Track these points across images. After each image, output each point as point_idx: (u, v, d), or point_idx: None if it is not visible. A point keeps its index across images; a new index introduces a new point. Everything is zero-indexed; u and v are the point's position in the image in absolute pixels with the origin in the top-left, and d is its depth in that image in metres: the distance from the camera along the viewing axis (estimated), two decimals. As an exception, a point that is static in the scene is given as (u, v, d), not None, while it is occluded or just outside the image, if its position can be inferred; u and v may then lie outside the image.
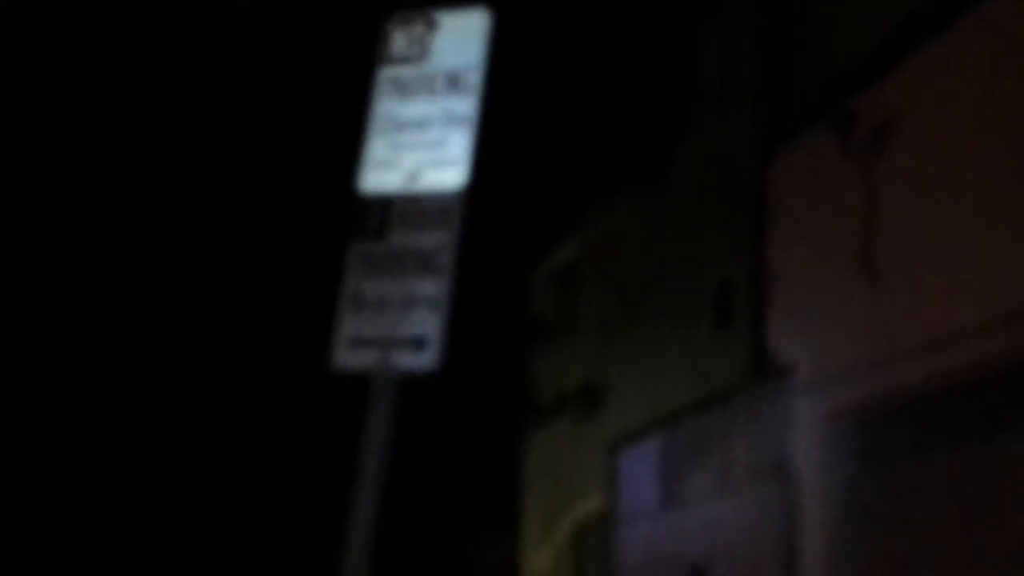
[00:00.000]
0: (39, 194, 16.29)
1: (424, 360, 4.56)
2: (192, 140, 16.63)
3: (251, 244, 17.32)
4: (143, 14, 15.19)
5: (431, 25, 5.02)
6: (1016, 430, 8.05)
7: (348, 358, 4.72)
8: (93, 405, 16.93)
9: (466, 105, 4.84)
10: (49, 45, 15.44)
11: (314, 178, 16.35)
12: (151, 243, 17.14)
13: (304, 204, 16.61)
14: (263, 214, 16.97)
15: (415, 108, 4.93)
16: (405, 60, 5.04)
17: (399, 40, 5.08)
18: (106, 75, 15.88)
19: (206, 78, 15.96)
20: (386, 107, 4.99)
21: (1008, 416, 8.16)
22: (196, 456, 17.42)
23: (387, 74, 5.04)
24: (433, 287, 4.63)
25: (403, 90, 4.98)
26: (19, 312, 15.70)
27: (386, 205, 4.83)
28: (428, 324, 4.60)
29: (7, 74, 14.10)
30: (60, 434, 16.76)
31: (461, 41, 4.95)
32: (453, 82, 4.90)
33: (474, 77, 4.87)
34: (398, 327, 4.64)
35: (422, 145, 4.86)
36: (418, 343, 4.58)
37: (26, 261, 15.94)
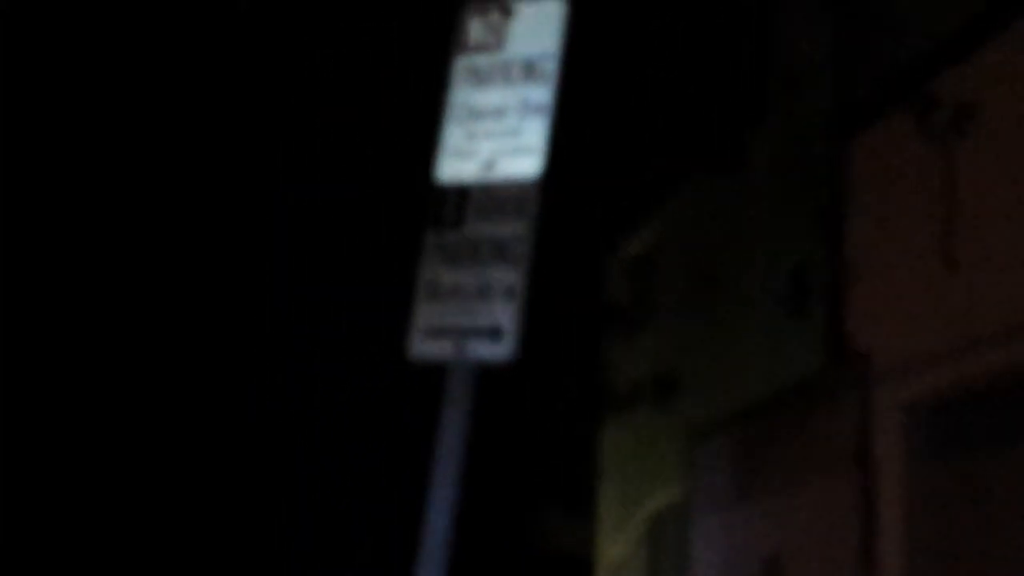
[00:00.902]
0: (40, 193, 16.44)
1: (500, 350, 4.55)
2: (192, 140, 16.71)
3: (264, 241, 17.40)
4: (143, 14, 15.29)
5: (507, 13, 5.01)
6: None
7: (424, 348, 4.72)
8: (117, 402, 17.09)
9: (542, 93, 4.82)
10: (49, 45, 15.57)
11: (316, 177, 16.44)
12: (161, 242, 17.25)
13: (306, 202, 16.70)
14: (266, 212, 17.05)
15: (491, 96, 4.92)
16: (481, 48, 5.03)
17: (475, 28, 5.07)
18: (106, 75, 15.98)
19: (206, 78, 16.04)
20: (462, 95, 4.98)
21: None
22: (258, 446, 17.55)
23: (463, 62, 5.04)
24: (509, 276, 4.62)
25: (479, 78, 4.97)
26: (20, 311, 15.87)
27: (462, 194, 4.82)
28: (504, 314, 4.59)
29: (7, 74, 14.25)
30: (63, 434, 16.92)
31: (537, 28, 4.93)
32: (529, 70, 4.88)
33: (550, 65, 4.85)
34: (474, 317, 4.64)
35: (498, 133, 4.84)
36: (494, 333, 4.58)
37: (26, 260, 16.09)
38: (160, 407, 17.25)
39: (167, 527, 17.14)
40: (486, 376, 4.70)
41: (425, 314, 4.76)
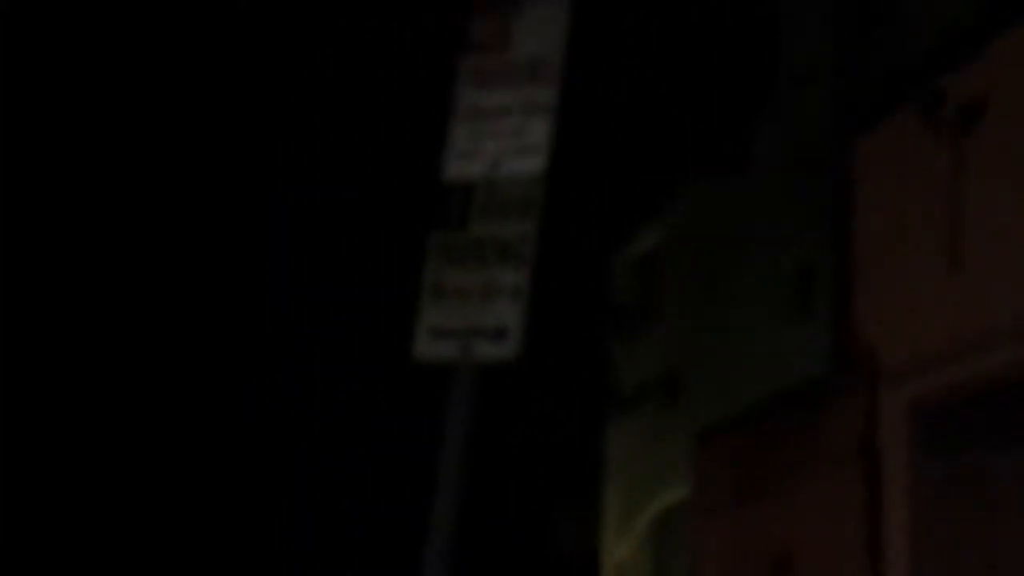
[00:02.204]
0: (39, 193, 16.44)
1: (505, 350, 4.56)
2: (191, 139, 16.71)
3: (265, 240, 17.40)
4: (143, 14, 15.28)
5: (512, 13, 5.01)
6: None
7: (429, 348, 4.73)
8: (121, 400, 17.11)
9: (547, 93, 4.82)
10: (49, 45, 15.57)
11: (318, 177, 16.43)
12: (160, 241, 17.26)
13: (307, 202, 16.69)
14: (267, 212, 17.05)
15: (496, 97, 4.92)
16: (486, 49, 5.04)
17: (480, 29, 5.07)
18: (105, 75, 15.99)
19: (206, 78, 16.03)
20: (467, 96, 4.99)
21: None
22: (262, 446, 17.56)
23: (467, 62, 5.04)
24: (514, 277, 4.62)
25: (484, 79, 4.98)
26: (19, 311, 15.88)
27: (467, 194, 4.83)
28: (509, 314, 4.60)
29: (7, 74, 14.26)
30: (62, 434, 16.93)
31: (542, 29, 4.93)
32: (534, 70, 4.89)
33: (555, 65, 4.85)
34: (479, 317, 4.64)
35: (503, 134, 4.85)
36: (499, 333, 4.58)
37: (25, 260, 16.10)
38: (158, 406, 17.25)
39: (164, 526, 17.15)
40: (491, 376, 4.70)
41: (430, 314, 4.77)
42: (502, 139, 4.82)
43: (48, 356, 16.79)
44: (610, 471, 16.25)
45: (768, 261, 12.55)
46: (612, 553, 15.92)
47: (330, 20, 14.71)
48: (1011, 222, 8.88)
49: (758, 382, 12.33)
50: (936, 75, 9.78)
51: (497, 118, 4.86)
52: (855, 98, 11.25)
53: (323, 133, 15.95)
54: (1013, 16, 9.03)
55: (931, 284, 9.70)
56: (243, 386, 17.30)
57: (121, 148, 16.67)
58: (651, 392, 14.93)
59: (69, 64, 15.82)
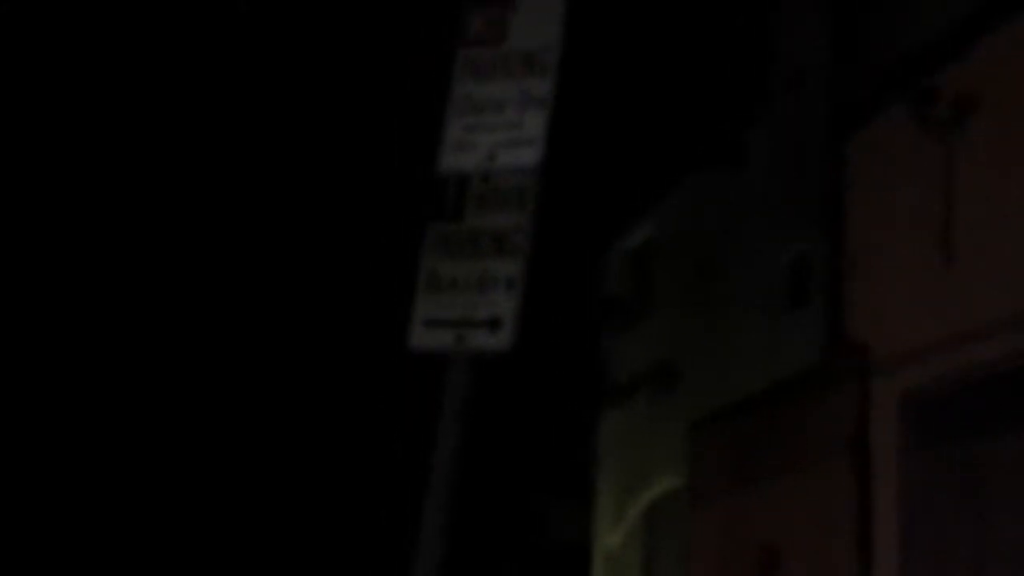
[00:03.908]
0: (38, 192, 16.44)
1: (500, 340, 4.57)
2: (191, 140, 16.70)
3: (255, 236, 17.37)
4: (143, 14, 15.28)
5: (508, 6, 5.03)
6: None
7: (424, 339, 4.73)
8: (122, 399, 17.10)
9: (543, 86, 4.84)
10: (49, 45, 15.57)
11: (314, 177, 16.41)
12: (151, 239, 17.24)
13: (303, 196, 16.68)
14: (262, 208, 17.05)
15: (492, 89, 4.94)
16: (482, 41, 5.06)
17: (476, 22, 5.10)
18: (105, 75, 15.98)
19: (205, 79, 16.03)
20: (463, 88, 5.01)
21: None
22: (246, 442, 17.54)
23: (464, 55, 5.06)
24: (509, 267, 4.64)
25: (480, 71, 5.00)
26: (18, 311, 15.89)
27: (463, 186, 4.85)
28: (504, 304, 4.61)
29: (7, 74, 14.26)
30: (60, 433, 16.91)
31: (538, 22, 4.95)
32: (530, 63, 4.91)
33: (551, 58, 4.87)
34: (474, 308, 4.65)
35: (499, 126, 4.86)
36: (494, 324, 4.60)
37: (25, 259, 16.10)
38: (144, 404, 17.24)
39: (150, 525, 17.15)
40: (486, 367, 4.72)
41: (425, 305, 4.78)
42: (498, 131, 4.84)
43: (46, 355, 16.78)
44: (603, 460, 16.30)
45: (762, 254, 12.60)
46: (604, 541, 15.98)
47: (330, 14, 14.71)
48: (1001, 216, 8.94)
49: (751, 373, 12.39)
50: (928, 73, 9.84)
51: (493, 110, 4.89)
52: (848, 95, 11.29)
53: (323, 126, 15.94)
54: (1002, 15, 9.09)
55: (922, 277, 9.76)
56: (243, 376, 17.30)
57: (120, 148, 16.68)
58: (644, 382, 14.98)
59: (68, 64, 15.83)
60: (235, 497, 17.48)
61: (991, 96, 9.17)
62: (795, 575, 11.25)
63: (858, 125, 10.97)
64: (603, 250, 16.91)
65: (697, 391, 13.71)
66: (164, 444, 17.18)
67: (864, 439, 10.35)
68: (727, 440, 12.82)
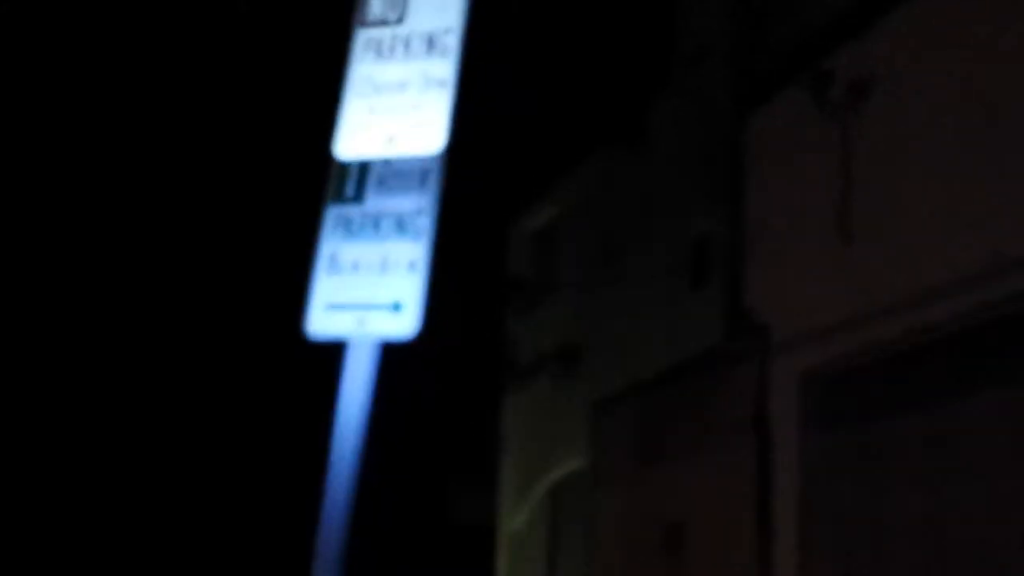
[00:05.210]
0: (37, 192, 16.21)
1: (402, 324, 4.52)
2: (190, 141, 16.52)
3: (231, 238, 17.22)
4: (143, 14, 15.08)
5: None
6: (989, 387, 8.10)
7: (323, 324, 4.65)
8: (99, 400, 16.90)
9: (444, 67, 4.80)
10: (48, 45, 15.33)
11: (310, 175, 16.25)
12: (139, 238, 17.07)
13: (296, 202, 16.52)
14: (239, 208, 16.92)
15: (393, 70, 4.89)
16: (382, 22, 5.00)
17: (376, 1, 5.03)
18: (105, 75, 15.77)
19: (205, 79, 15.86)
20: (363, 69, 4.94)
21: (981, 373, 8.21)
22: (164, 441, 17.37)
23: (363, 36, 5.00)
24: (411, 250, 4.59)
25: (380, 52, 4.94)
26: (17, 311, 15.67)
27: (363, 168, 4.79)
28: (406, 288, 4.57)
29: (7, 74, 14.03)
30: (59, 433, 16.71)
31: (439, 2, 4.90)
32: (431, 44, 4.86)
33: (452, 39, 4.82)
34: (375, 291, 4.60)
35: (400, 108, 4.81)
36: (396, 307, 4.55)
37: (24, 259, 15.88)
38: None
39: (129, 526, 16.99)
40: (387, 350, 4.67)
41: (324, 289, 4.71)
42: (399, 113, 4.79)
43: (44, 354, 16.53)
44: (507, 442, 16.32)
45: (664, 233, 12.66)
46: (508, 523, 16.00)
47: (328, 21, 14.55)
48: (899, 197, 9.06)
49: (654, 353, 12.46)
50: (825, 55, 9.94)
51: (394, 92, 4.83)
52: (749, 75, 11.37)
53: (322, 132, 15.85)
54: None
55: (822, 257, 9.87)
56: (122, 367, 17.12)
57: (120, 148, 16.44)
58: (548, 363, 15.01)
59: (68, 65, 15.56)
60: (125, 489, 17.29)
61: (887, 77, 9.29)
62: (699, 552, 11.35)
63: (759, 104, 11.06)
64: (505, 231, 16.90)
65: (600, 371, 13.76)
66: (45, 440, 16.99)
67: (765, 418, 10.46)
68: (630, 420, 12.89)
